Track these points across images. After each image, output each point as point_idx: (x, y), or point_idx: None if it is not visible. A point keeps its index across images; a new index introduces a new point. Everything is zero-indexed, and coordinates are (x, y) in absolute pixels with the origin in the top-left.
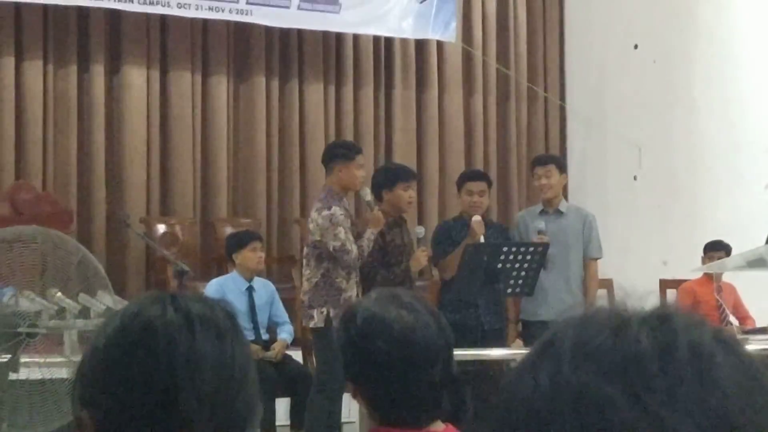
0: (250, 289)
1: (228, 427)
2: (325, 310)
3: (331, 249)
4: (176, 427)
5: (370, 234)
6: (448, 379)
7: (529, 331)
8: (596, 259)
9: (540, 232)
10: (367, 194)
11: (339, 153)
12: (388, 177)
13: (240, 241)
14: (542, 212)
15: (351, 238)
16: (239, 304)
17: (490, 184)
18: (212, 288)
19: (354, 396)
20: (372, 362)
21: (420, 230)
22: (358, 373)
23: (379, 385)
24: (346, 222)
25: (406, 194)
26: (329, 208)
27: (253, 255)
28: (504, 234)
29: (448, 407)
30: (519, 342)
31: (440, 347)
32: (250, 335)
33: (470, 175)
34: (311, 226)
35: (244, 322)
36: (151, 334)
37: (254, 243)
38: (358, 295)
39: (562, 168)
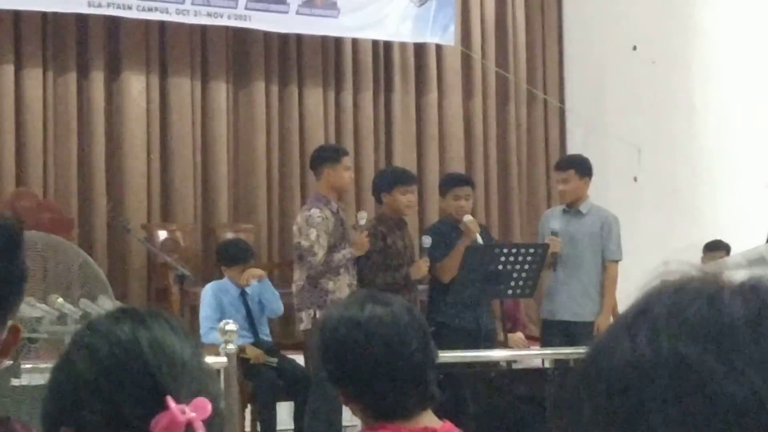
0: (243, 294)
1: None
2: (312, 311)
3: (301, 248)
4: (160, 404)
5: (348, 253)
6: (429, 362)
7: (547, 330)
8: (615, 261)
9: (553, 233)
10: (363, 218)
11: (326, 156)
12: (386, 180)
13: (232, 259)
14: (564, 211)
15: (323, 242)
16: (235, 308)
17: (474, 187)
18: (209, 292)
19: (346, 403)
20: (350, 360)
21: (426, 240)
22: (342, 376)
23: (362, 381)
24: (323, 225)
25: (405, 198)
26: (309, 210)
27: (241, 276)
28: (487, 235)
29: (438, 396)
30: (520, 337)
31: (413, 329)
32: (248, 338)
33: (457, 181)
34: (294, 228)
35: (241, 325)
36: (119, 346)
37: (245, 265)
38: None
39: (584, 171)
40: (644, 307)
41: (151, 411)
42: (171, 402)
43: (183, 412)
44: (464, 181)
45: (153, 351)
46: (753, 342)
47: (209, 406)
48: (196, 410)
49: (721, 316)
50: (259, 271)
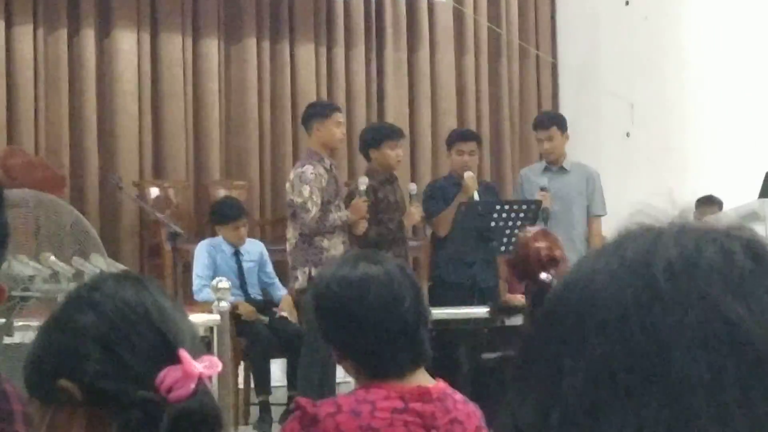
0: (236, 252)
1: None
2: (307, 269)
3: (294, 205)
4: (169, 359)
5: (344, 215)
6: (422, 321)
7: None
8: (600, 216)
9: (543, 189)
10: (364, 183)
11: (316, 111)
12: (374, 136)
13: (223, 217)
14: (546, 169)
15: (316, 199)
16: (228, 266)
17: (480, 143)
18: (202, 250)
19: (339, 361)
20: (344, 319)
21: (413, 187)
22: (335, 334)
23: (355, 339)
24: (316, 181)
25: (394, 153)
26: (302, 166)
27: (234, 233)
28: (494, 194)
29: (430, 354)
30: (516, 298)
31: (406, 287)
32: (239, 295)
33: (461, 135)
34: (287, 185)
35: (233, 283)
36: (125, 304)
37: (237, 222)
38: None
39: (563, 126)
40: (648, 249)
41: (158, 363)
42: (185, 354)
43: (195, 366)
44: (468, 136)
45: (158, 311)
46: (764, 289)
47: (219, 364)
48: (207, 366)
49: (734, 262)
50: (290, 306)
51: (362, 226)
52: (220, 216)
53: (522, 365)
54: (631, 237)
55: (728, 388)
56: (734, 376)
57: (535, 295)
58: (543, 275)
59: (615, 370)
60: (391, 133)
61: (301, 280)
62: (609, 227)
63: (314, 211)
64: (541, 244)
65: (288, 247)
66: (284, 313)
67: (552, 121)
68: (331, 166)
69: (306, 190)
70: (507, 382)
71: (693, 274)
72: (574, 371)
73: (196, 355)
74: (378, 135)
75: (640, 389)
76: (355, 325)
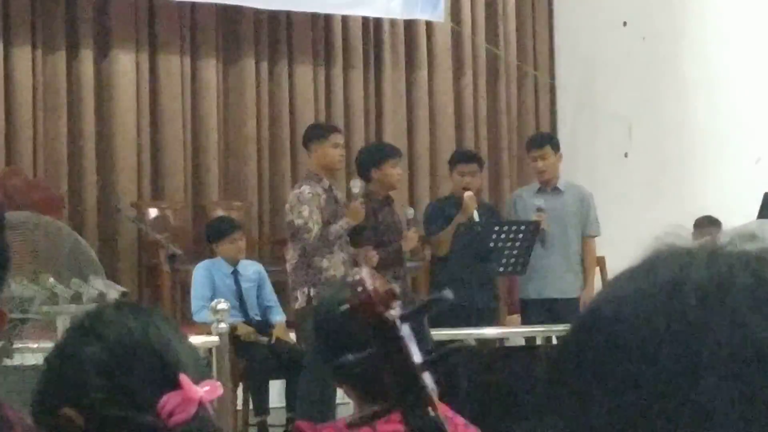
0: (235, 273)
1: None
2: (306, 290)
3: (295, 226)
4: (170, 385)
5: (344, 223)
6: (422, 342)
7: (528, 310)
8: (594, 236)
9: (539, 210)
10: (356, 186)
11: (315, 133)
12: (375, 155)
13: (219, 232)
14: (540, 190)
15: (317, 218)
16: (227, 286)
17: (481, 165)
18: (200, 271)
19: (339, 385)
20: (344, 342)
21: (410, 211)
22: (336, 358)
23: (353, 361)
24: (314, 201)
25: (395, 171)
26: (300, 187)
27: (231, 247)
28: (494, 215)
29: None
30: (515, 319)
31: (402, 303)
32: (238, 316)
33: (461, 157)
34: (286, 207)
35: (232, 304)
36: (127, 333)
37: (233, 235)
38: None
39: (557, 146)
40: (679, 272)
41: (159, 390)
42: (185, 379)
43: (196, 391)
44: (468, 157)
45: (159, 340)
46: None
47: (220, 388)
48: (209, 390)
49: (766, 287)
50: (284, 333)
51: (374, 259)
52: (216, 232)
53: (550, 388)
54: (662, 259)
55: (759, 414)
56: (765, 403)
57: (384, 337)
58: (389, 313)
59: (644, 394)
60: (391, 152)
61: (300, 300)
62: (604, 247)
63: (315, 230)
64: (377, 283)
65: (288, 267)
66: (263, 338)
67: (545, 140)
68: (330, 186)
69: (306, 211)
70: (534, 405)
71: (724, 299)
72: (602, 395)
73: (198, 380)
74: (379, 154)
75: (669, 415)
76: (357, 346)
